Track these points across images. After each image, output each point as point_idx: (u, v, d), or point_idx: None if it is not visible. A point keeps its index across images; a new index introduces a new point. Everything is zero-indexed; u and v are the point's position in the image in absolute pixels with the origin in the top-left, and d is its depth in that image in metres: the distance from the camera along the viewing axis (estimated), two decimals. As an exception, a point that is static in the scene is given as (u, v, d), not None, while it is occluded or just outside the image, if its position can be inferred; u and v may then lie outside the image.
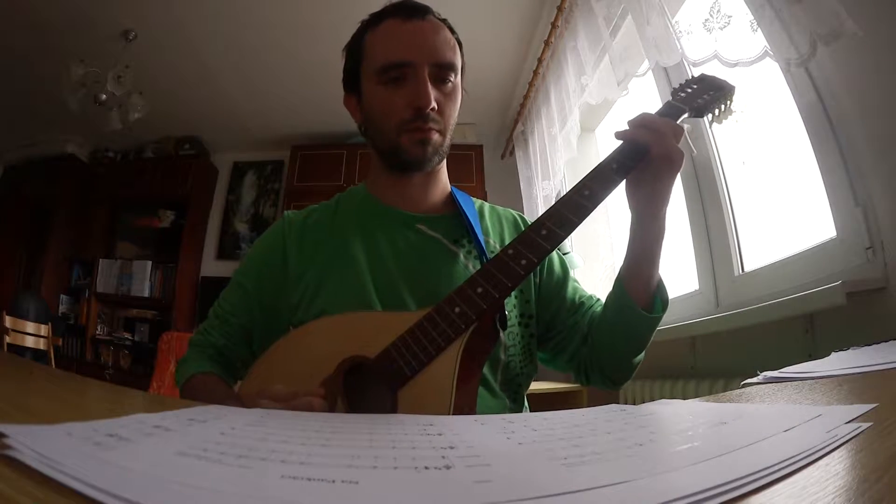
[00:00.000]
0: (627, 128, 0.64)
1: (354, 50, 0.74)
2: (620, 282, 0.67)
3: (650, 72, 1.62)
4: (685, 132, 0.67)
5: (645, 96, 1.92)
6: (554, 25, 2.14)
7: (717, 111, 0.73)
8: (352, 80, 0.74)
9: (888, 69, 0.91)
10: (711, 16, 1.30)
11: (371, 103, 0.71)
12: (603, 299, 0.80)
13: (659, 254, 0.66)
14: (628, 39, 1.70)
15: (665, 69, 1.66)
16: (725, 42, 1.26)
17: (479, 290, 0.53)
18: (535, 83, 2.52)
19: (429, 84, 0.66)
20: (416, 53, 0.67)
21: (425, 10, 0.71)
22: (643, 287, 0.66)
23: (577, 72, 1.98)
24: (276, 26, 2.55)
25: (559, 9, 2.08)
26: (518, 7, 2.36)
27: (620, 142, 0.64)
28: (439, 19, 0.72)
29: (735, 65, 1.21)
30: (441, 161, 0.74)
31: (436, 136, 0.69)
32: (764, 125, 1.44)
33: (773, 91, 1.25)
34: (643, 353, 0.72)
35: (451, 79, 0.70)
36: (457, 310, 0.52)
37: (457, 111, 0.73)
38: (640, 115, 0.65)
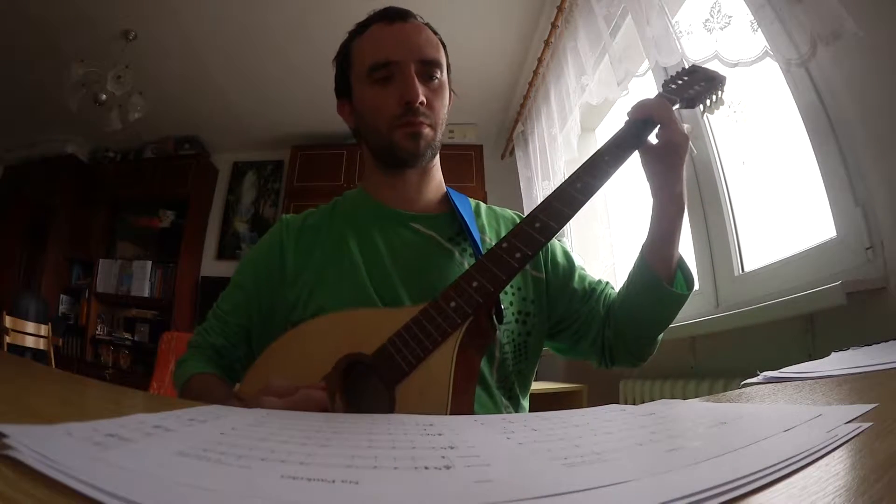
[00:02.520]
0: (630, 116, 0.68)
1: (343, 58, 0.77)
2: (644, 259, 0.69)
3: (650, 72, 1.62)
4: (688, 132, 0.68)
5: (645, 96, 1.92)
6: (554, 25, 2.14)
7: (708, 102, 0.73)
8: (343, 87, 0.77)
9: (888, 69, 0.91)
10: (712, 16, 1.30)
11: (362, 104, 0.73)
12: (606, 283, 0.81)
13: (678, 232, 0.68)
14: (628, 39, 1.70)
15: (665, 69, 1.66)
16: (726, 42, 1.26)
17: (475, 283, 0.53)
18: (535, 83, 2.51)
19: (416, 80, 0.69)
20: (401, 52, 0.70)
21: (407, 14, 0.74)
22: (665, 265, 0.68)
23: (577, 72, 1.98)
24: (276, 26, 2.55)
25: (559, 9, 2.08)
26: (518, 7, 2.36)
27: (615, 132, 0.67)
28: (422, 22, 0.75)
29: (735, 65, 1.21)
30: (433, 157, 0.76)
31: (427, 130, 0.71)
32: (764, 125, 1.44)
33: (773, 91, 1.25)
34: (663, 333, 0.73)
35: (438, 75, 0.73)
36: (452, 304, 0.53)
37: (446, 108, 0.75)
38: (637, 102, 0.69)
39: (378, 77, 0.70)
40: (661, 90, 0.73)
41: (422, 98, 0.69)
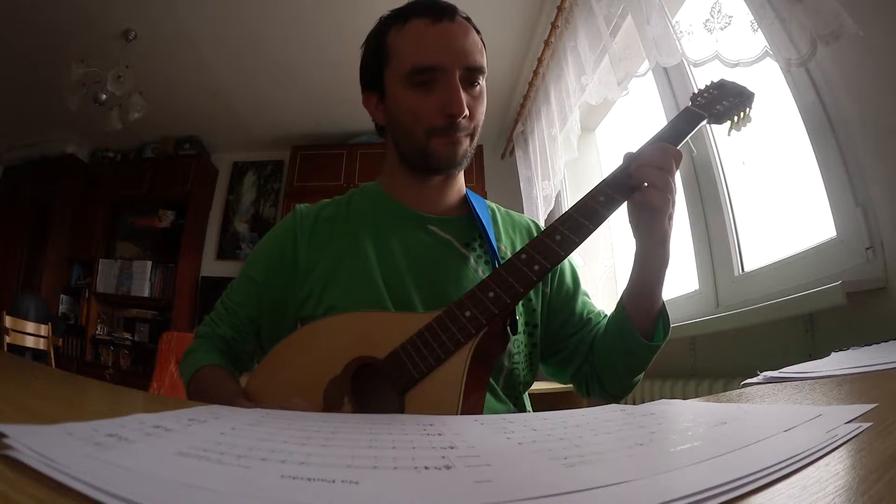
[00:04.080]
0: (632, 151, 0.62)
1: (376, 50, 0.71)
2: (622, 307, 0.66)
3: (650, 72, 1.61)
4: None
5: (645, 96, 1.92)
6: (554, 25, 2.14)
7: (735, 118, 0.71)
8: (373, 79, 0.72)
9: (888, 69, 0.91)
10: (712, 16, 1.30)
11: (398, 107, 0.69)
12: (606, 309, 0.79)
13: (662, 282, 0.64)
14: (628, 39, 1.70)
15: (665, 69, 1.67)
16: (726, 42, 1.26)
17: (491, 294, 0.53)
18: (535, 83, 2.51)
19: (461, 90, 0.65)
20: (447, 57, 0.65)
21: (453, 11, 0.68)
22: (645, 314, 0.65)
23: (577, 72, 1.98)
24: (276, 26, 2.55)
25: (559, 9, 2.08)
26: (518, 7, 2.36)
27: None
28: (463, 17, 0.70)
29: (735, 65, 1.21)
30: (467, 163, 0.72)
31: (466, 142, 0.68)
32: (764, 125, 1.44)
33: (773, 91, 1.25)
34: (643, 373, 0.71)
35: (480, 81, 0.68)
36: (467, 313, 0.52)
37: (484, 112, 0.71)
38: (639, 152, 0.60)
39: (418, 81, 0.65)
40: (689, 104, 0.70)
41: (466, 111, 0.65)
